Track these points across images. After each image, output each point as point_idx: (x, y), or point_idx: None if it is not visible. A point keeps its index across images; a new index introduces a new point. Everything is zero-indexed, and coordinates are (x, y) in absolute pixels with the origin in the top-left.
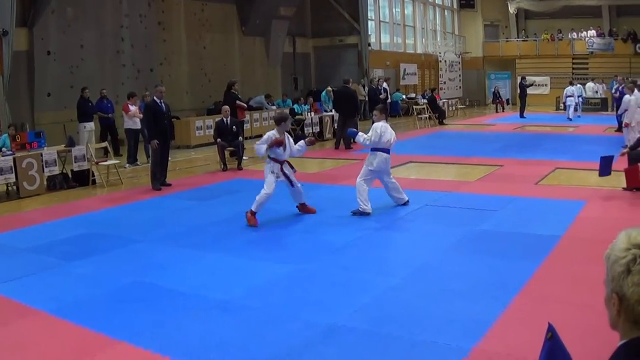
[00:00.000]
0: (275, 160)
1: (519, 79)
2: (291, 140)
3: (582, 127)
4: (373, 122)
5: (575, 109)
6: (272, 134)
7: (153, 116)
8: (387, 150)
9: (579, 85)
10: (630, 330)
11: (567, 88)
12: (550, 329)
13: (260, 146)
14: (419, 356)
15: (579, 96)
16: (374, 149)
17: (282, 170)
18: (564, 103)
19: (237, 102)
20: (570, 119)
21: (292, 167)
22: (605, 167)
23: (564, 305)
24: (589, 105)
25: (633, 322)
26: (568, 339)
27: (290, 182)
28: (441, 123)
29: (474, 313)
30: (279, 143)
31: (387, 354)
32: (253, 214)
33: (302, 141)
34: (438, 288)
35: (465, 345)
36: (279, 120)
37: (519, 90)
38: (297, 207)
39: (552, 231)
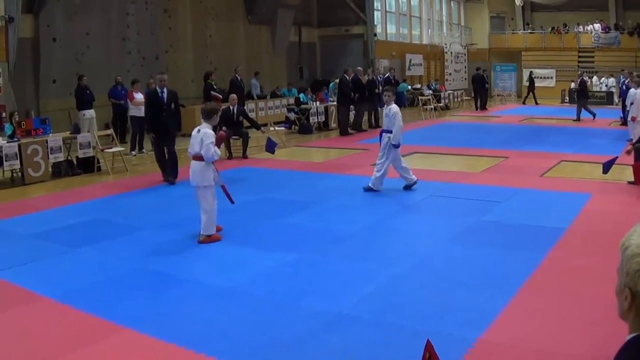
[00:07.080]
0: None
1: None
2: None
3: (587, 121)
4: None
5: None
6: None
7: (150, 107)
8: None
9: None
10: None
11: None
12: None
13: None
14: (422, 346)
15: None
16: (386, 131)
17: None
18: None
19: (212, 92)
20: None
21: None
22: (607, 166)
23: (568, 297)
24: (595, 99)
25: None
26: (572, 331)
27: None
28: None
29: (478, 304)
30: None
31: (391, 344)
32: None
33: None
34: (442, 278)
35: (469, 336)
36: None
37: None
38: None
39: (557, 223)
